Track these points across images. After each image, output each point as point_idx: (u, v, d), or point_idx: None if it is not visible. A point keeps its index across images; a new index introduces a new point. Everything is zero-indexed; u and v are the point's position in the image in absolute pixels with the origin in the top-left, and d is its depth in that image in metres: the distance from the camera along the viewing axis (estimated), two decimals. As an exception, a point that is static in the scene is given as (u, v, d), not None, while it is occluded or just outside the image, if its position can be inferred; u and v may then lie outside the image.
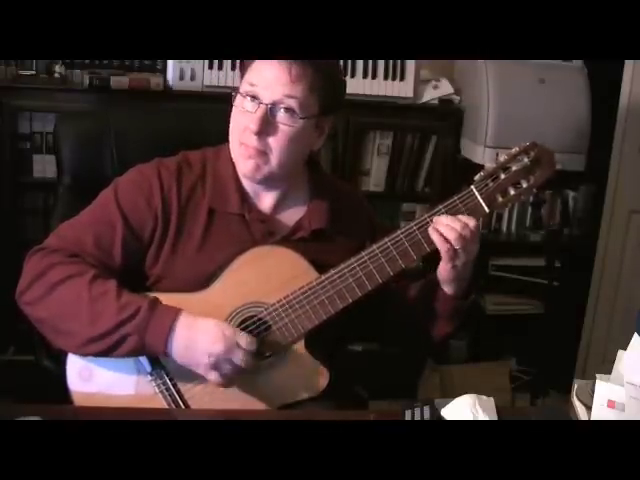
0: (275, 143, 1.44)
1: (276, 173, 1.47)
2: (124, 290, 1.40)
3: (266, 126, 1.42)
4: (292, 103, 1.42)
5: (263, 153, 1.44)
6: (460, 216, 1.42)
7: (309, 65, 1.42)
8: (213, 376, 1.37)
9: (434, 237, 1.41)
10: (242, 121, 1.45)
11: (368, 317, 1.54)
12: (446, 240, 1.40)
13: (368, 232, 1.58)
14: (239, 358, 1.36)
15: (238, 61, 2.56)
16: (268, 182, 1.50)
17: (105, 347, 1.37)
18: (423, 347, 1.64)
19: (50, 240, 1.47)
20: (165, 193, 1.48)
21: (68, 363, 1.45)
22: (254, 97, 1.43)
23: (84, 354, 1.42)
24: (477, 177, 1.46)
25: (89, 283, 1.38)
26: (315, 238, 1.53)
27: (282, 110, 1.42)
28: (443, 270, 1.46)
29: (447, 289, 1.49)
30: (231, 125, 1.49)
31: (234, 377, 1.39)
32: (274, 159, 1.45)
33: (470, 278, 1.49)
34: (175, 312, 1.37)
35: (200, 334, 1.36)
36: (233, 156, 1.50)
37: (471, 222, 1.42)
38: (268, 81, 1.42)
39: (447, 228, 1.41)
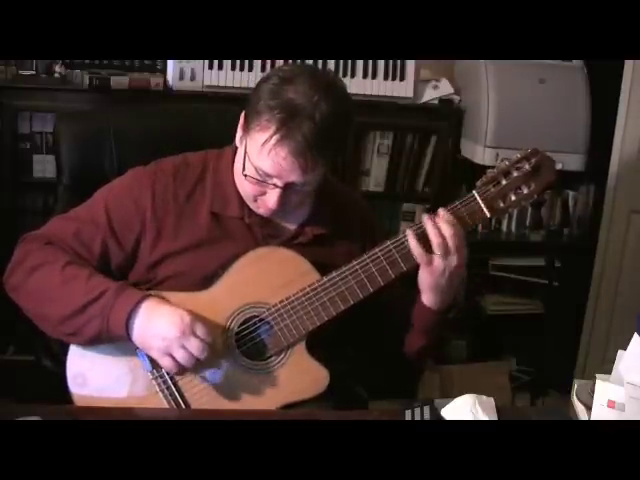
0: (292, 200, 1.45)
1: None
2: (97, 274, 1.42)
3: (283, 197, 1.43)
4: (306, 185, 1.43)
5: (281, 209, 1.45)
6: (446, 226, 1.40)
7: (320, 153, 1.38)
8: (166, 362, 1.37)
9: (411, 243, 1.41)
10: (256, 186, 1.44)
11: (367, 320, 1.54)
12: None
13: (368, 235, 1.57)
14: (193, 346, 1.35)
15: (238, 62, 2.61)
16: None
17: (74, 328, 1.40)
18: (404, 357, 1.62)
19: (38, 230, 1.51)
20: (157, 197, 1.48)
21: (67, 367, 1.45)
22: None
23: (59, 337, 1.45)
24: (479, 182, 1.47)
25: (62, 268, 1.42)
26: (316, 242, 1.53)
27: (297, 185, 1.42)
28: (421, 276, 1.45)
29: (425, 299, 1.47)
30: (242, 179, 1.46)
31: (188, 366, 1.38)
32: (290, 206, 1.47)
33: (453, 293, 1.47)
34: (140, 297, 1.38)
35: (158, 318, 1.37)
36: (244, 199, 1.49)
37: (457, 234, 1.40)
38: (280, 173, 1.39)
39: (432, 234, 1.40)
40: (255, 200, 1.47)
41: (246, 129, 1.43)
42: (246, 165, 1.43)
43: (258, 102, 1.39)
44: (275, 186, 1.41)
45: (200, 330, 1.36)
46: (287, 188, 1.41)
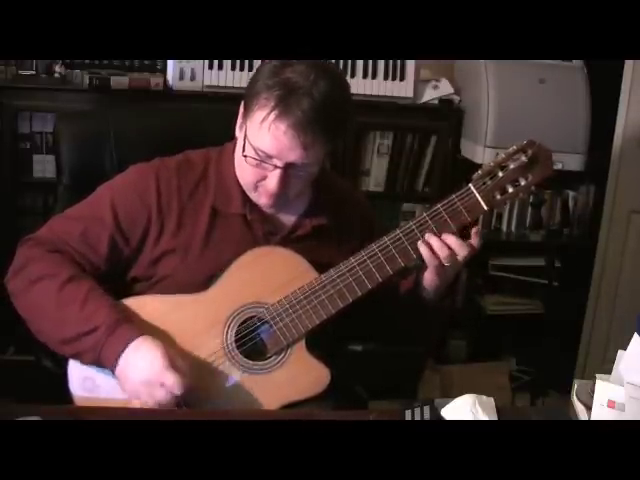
0: (293, 185, 1.45)
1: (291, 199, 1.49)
2: (93, 298, 1.39)
3: (284, 180, 1.43)
4: (306, 165, 1.42)
5: (282, 194, 1.45)
6: (455, 242, 1.43)
7: (320, 129, 1.38)
8: (136, 403, 1.37)
9: (422, 250, 1.43)
10: (257, 169, 1.44)
11: (367, 314, 1.54)
12: (436, 256, 1.43)
13: (367, 231, 1.58)
14: (161, 396, 1.34)
15: (238, 62, 2.61)
16: None
17: (70, 352, 1.40)
18: (419, 342, 1.65)
19: (40, 231, 1.49)
20: (162, 192, 1.48)
21: (71, 370, 1.45)
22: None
23: (62, 354, 1.43)
24: (475, 175, 1.46)
25: (60, 287, 1.40)
26: (315, 235, 1.53)
27: (297, 167, 1.42)
28: (428, 280, 1.49)
29: (426, 294, 1.52)
30: (242, 165, 1.46)
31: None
32: (291, 194, 1.47)
33: (448, 284, 1.51)
34: (129, 338, 1.36)
35: (134, 365, 1.35)
36: (245, 189, 1.49)
37: (462, 251, 1.43)
38: (280, 151, 1.39)
39: (439, 245, 1.43)
40: (256, 189, 1.46)
41: (245, 114, 1.44)
42: (246, 147, 1.43)
43: (256, 83, 1.41)
44: (275, 167, 1.41)
45: (169, 380, 1.33)
46: (287, 169, 1.41)
